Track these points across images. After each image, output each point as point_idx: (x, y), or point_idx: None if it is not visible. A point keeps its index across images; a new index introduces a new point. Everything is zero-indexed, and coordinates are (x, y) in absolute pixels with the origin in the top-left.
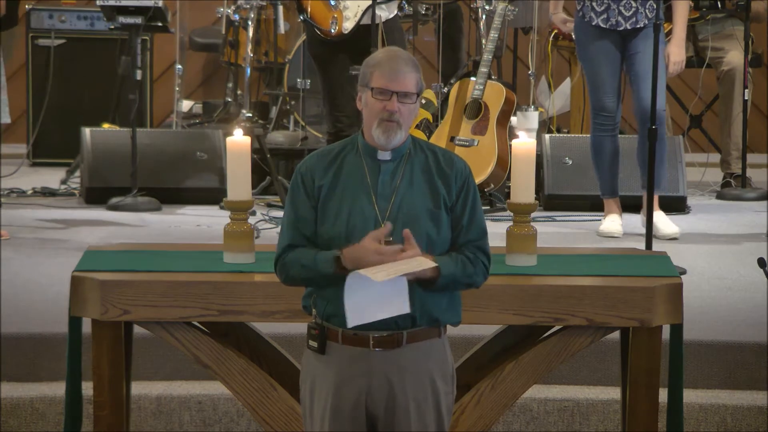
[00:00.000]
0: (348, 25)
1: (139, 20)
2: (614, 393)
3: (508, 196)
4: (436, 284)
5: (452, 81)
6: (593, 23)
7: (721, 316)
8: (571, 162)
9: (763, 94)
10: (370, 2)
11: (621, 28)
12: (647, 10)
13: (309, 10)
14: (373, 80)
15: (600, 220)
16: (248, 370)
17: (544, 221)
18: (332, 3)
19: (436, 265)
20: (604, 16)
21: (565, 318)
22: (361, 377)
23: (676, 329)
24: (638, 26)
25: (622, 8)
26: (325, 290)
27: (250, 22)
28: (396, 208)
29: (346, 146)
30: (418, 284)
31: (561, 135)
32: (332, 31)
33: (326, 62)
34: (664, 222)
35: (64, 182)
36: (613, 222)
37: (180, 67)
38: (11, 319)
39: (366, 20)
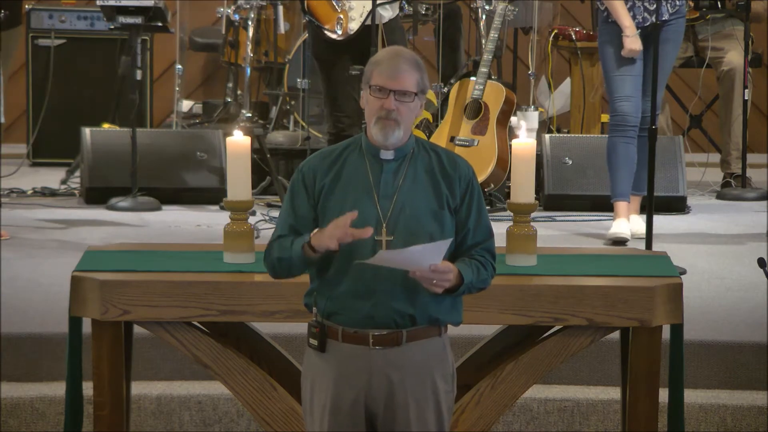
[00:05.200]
0: (353, 26)
1: (139, 20)
2: (614, 393)
3: (508, 196)
4: (456, 292)
5: (452, 81)
6: None
7: (721, 316)
8: (571, 162)
9: (763, 94)
10: (375, 2)
11: (647, 24)
12: (669, 5)
13: (314, 10)
14: (372, 78)
15: (599, 219)
16: (248, 370)
17: (544, 221)
18: (336, 3)
19: (459, 272)
20: (631, 14)
21: (565, 318)
22: (361, 375)
23: (676, 329)
24: (663, 18)
25: (646, 3)
26: (325, 287)
27: (250, 22)
28: (398, 207)
29: (349, 146)
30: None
31: (561, 135)
32: (338, 31)
33: (329, 63)
34: (619, 224)
35: (64, 182)
36: (619, 226)
37: (180, 67)
38: (11, 319)
39: (370, 20)
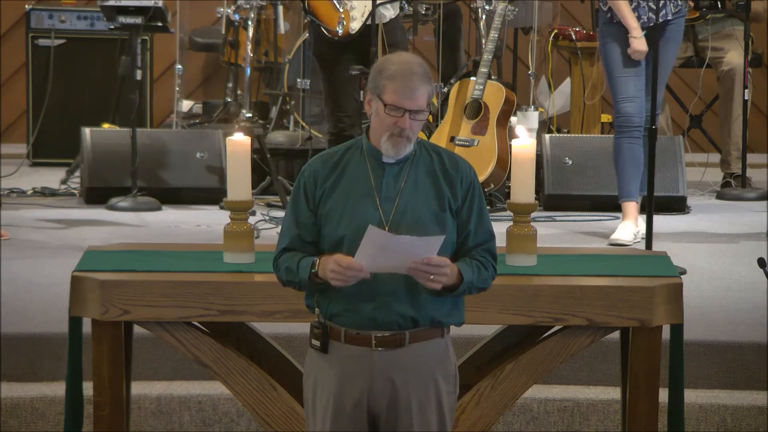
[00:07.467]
0: (355, 26)
1: (139, 20)
2: (614, 393)
3: (508, 196)
4: (457, 290)
5: (452, 81)
6: None
7: (721, 316)
8: (571, 162)
9: (763, 94)
10: (376, 2)
11: (652, 24)
12: (672, 5)
13: (315, 10)
14: (386, 94)
15: (599, 219)
16: (248, 370)
17: (544, 221)
18: (337, 3)
19: (459, 271)
20: (636, 14)
21: (565, 318)
22: (363, 376)
23: (676, 329)
24: (667, 18)
25: (651, 3)
26: (328, 289)
27: (250, 22)
28: (400, 210)
29: (350, 148)
30: (437, 290)
31: (561, 135)
32: (339, 31)
33: (331, 62)
34: (623, 228)
35: (64, 182)
36: (624, 229)
37: (180, 67)
38: (11, 319)
39: (371, 20)
